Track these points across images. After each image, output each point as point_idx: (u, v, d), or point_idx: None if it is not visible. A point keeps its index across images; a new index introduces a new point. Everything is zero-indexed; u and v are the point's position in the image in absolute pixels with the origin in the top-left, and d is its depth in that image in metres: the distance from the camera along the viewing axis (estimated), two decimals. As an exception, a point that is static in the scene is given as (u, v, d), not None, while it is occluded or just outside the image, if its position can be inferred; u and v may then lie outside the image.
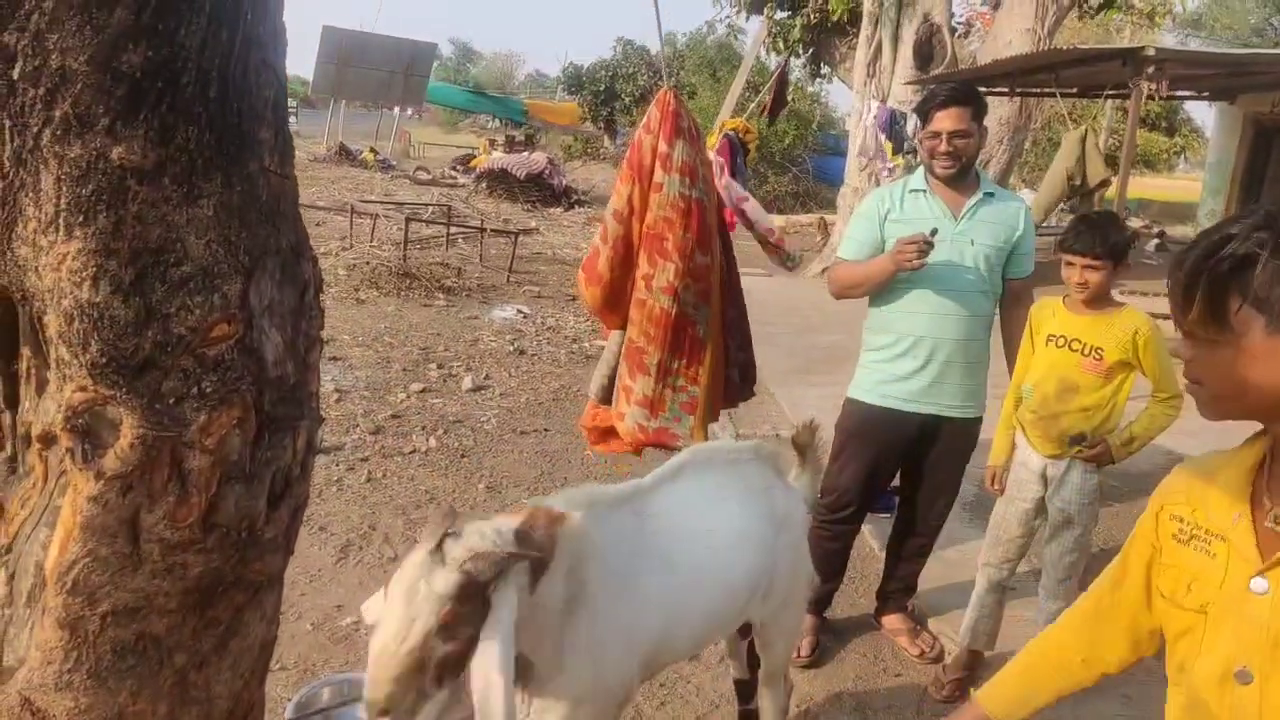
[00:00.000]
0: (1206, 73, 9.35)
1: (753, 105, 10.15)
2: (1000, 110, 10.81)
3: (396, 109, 25.96)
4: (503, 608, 1.52)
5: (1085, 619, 1.45)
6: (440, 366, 6.58)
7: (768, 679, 2.54)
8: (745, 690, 2.74)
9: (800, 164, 21.34)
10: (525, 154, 19.57)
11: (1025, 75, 9.69)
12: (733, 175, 4.02)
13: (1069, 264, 2.74)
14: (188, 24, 1.12)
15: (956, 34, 12.01)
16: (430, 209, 13.35)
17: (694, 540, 2.09)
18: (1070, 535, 2.91)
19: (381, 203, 13.31)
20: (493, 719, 1.47)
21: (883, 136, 10.46)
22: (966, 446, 3.21)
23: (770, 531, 2.26)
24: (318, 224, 11.73)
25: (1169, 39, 21.89)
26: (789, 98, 12.93)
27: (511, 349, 7.28)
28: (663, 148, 2.95)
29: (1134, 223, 18.13)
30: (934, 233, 2.85)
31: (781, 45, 13.31)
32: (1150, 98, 6.89)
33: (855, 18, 11.90)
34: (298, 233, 1.40)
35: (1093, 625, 1.43)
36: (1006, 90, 10.62)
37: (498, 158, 19.54)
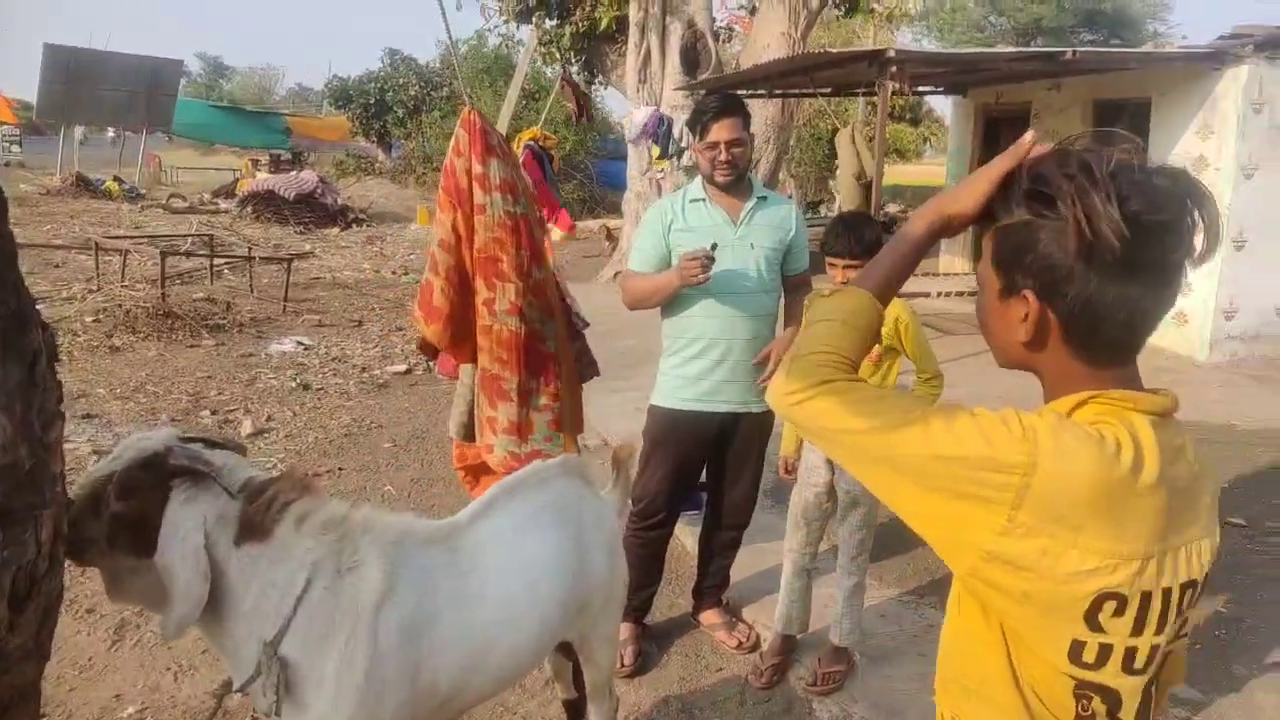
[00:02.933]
0: (940, 70, 10.23)
1: (544, 114, 10.09)
2: (765, 111, 11.36)
3: (143, 132, 23.92)
4: (181, 509, 1.66)
5: None
6: (215, 413, 6.11)
7: (594, 693, 2.54)
8: (574, 711, 2.73)
9: (584, 170, 21.56)
10: (294, 173, 18.63)
11: (785, 78, 10.22)
12: (545, 184, 3.98)
13: (831, 265, 2.94)
14: None
15: (719, 39, 12.49)
16: (189, 239, 12.41)
17: (505, 574, 2.07)
18: (857, 515, 3.11)
19: (132, 237, 12.22)
20: (174, 585, 1.63)
21: (648, 141, 10.70)
22: (764, 438, 3.35)
23: (583, 547, 2.27)
24: (57, 265, 10.66)
25: (907, 38, 23.83)
26: (588, 96, 13.02)
27: (294, 385, 6.88)
28: (477, 169, 2.88)
29: (892, 209, 19.62)
30: (714, 247, 2.96)
31: (556, 54, 13.38)
32: (895, 94, 7.47)
33: (623, 25, 12.13)
34: (20, 298, 1.23)
35: None
36: (768, 93, 11.16)
37: (264, 179, 18.46)
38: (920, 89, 11.93)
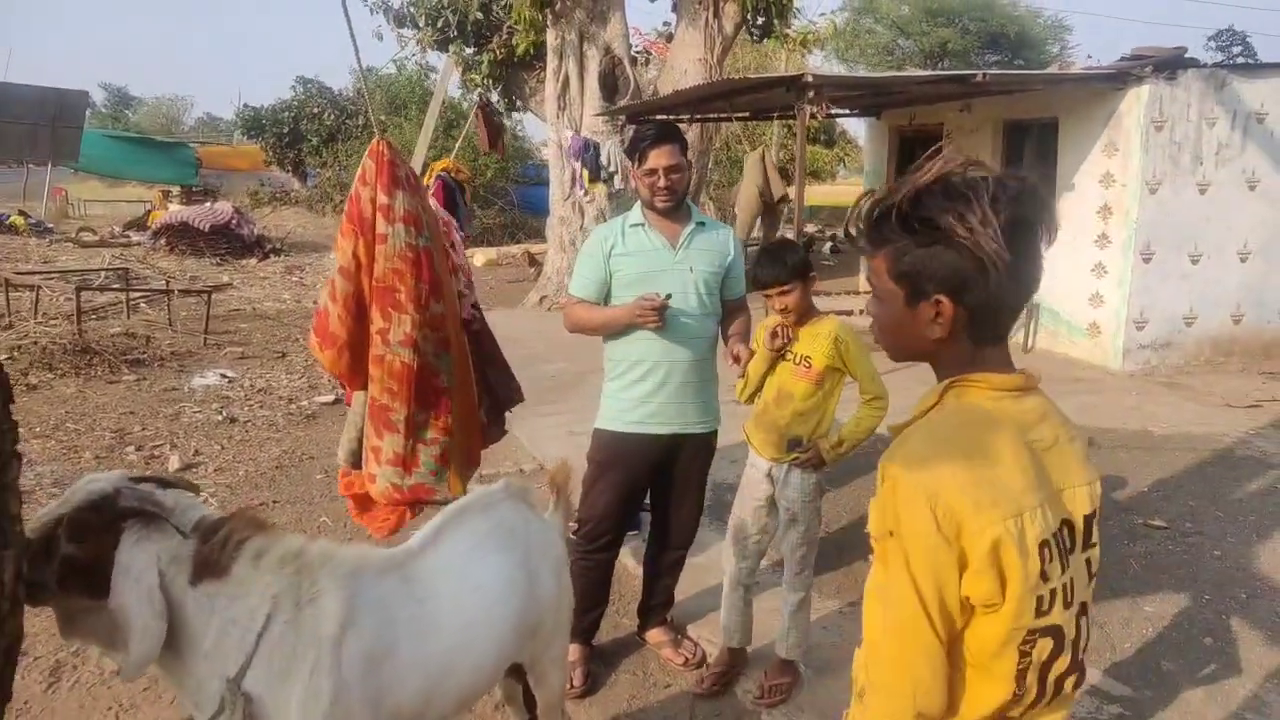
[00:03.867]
0: (855, 94, 10.54)
1: (458, 144, 10.06)
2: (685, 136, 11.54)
3: (47, 165, 23.03)
4: (133, 549, 1.66)
5: None
6: (140, 449, 5.94)
7: (547, 715, 2.56)
8: (526, 734, 2.73)
9: (505, 196, 21.53)
10: (208, 204, 18.17)
11: (704, 102, 10.41)
12: (453, 217, 3.98)
13: (766, 296, 3.01)
14: None
15: (637, 64, 12.64)
16: (103, 273, 12.00)
17: (460, 599, 2.09)
18: (798, 531, 3.16)
19: (42, 272, 11.79)
20: (130, 626, 1.63)
21: (578, 165, 10.78)
22: (708, 458, 3.42)
23: (531, 570, 2.30)
24: (-37, 304, 10.18)
25: (819, 61, 24.40)
26: (502, 126, 12.96)
27: (220, 418, 6.72)
28: (382, 199, 2.87)
29: (810, 228, 20.03)
30: (669, 296, 3.05)
31: (477, 80, 13.36)
32: (812, 117, 7.67)
33: (541, 51, 12.18)
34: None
35: None
36: (688, 117, 11.35)
37: (177, 210, 17.96)
38: (836, 112, 12.29)
